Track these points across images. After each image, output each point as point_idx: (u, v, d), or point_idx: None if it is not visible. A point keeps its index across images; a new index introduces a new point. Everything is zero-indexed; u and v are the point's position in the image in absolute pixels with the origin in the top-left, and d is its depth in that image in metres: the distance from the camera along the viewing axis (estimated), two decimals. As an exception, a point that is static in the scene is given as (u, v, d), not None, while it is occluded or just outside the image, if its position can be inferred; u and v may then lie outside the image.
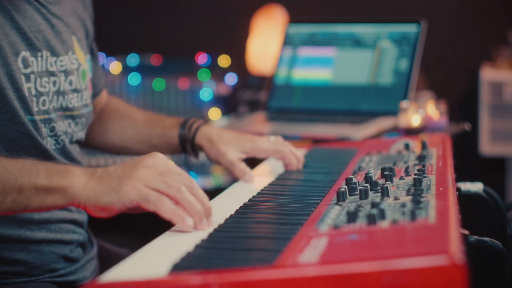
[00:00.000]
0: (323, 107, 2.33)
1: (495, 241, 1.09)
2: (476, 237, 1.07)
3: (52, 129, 1.34)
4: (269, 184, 1.39)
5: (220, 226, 1.06)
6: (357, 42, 2.36)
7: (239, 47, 3.48)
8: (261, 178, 1.47)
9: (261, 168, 1.60)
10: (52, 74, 1.34)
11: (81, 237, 1.41)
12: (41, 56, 1.32)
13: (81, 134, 1.43)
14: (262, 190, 1.33)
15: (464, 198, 1.41)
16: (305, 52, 2.43)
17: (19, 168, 1.07)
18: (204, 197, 1.07)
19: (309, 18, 3.33)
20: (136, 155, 1.57)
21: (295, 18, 2.92)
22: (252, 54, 3.37)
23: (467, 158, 3.48)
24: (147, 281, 0.82)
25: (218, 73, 3.25)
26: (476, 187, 1.44)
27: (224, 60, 3.28)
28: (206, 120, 3.01)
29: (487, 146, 3.33)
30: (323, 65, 2.39)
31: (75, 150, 1.42)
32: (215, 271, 0.81)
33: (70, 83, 1.39)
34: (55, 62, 1.35)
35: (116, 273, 0.86)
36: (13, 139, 1.27)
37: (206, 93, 3.21)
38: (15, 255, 1.30)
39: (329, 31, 2.42)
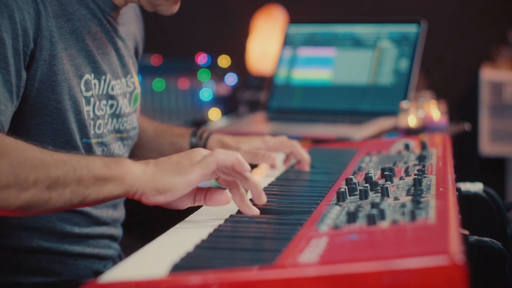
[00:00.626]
0: (323, 107, 2.33)
1: (495, 241, 1.09)
2: (476, 237, 1.07)
3: (108, 152, 1.35)
4: (269, 184, 1.39)
5: (220, 226, 1.07)
6: (357, 42, 2.37)
7: (239, 47, 3.48)
8: (261, 178, 1.47)
9: (261, 168, 1.60)
10: (111, 97, 1.35)
11: (115, 252, 1.43)
12: (104, 80, 1.32)
13: (125, 154, 1.44)
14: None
15: (464, 198, 1.41)
16: (305, 52, 2.43)
17: (76, 159, 1.05)
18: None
19: (309, 18, 3.33)
20: None
21: (295, 18, 2.93)
22: (252, 54, 3.37)
23: (467, 158, 3.48)
24: (147, 281, 0.82)
25: (218, 73, 3.24)
26: (476, 187, 1.44)
27: (224, 60, 3.28)
28: (206, 120, 3.01)
29: (487, 146, 3.33)
30: (323, 65, 2.39)
31: None
32: (215, 271, 0.81)
33: (126, 106, 1.40)
34: (115, 85, 1.36)
35: (116, 273, 0.86)
36: None
37: (206, 93, 3.21)
38: (51, 266, 1.31)
39: (329, 31, 2.42)
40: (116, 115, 1.37)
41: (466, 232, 1.02)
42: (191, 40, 3.85)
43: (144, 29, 1.58)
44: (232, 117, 2.74)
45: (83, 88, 1.27)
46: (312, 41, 2.43)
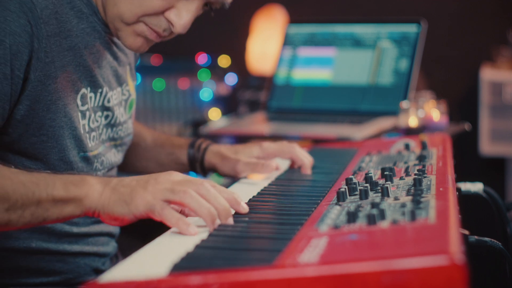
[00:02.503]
0: (323, 107, 2.33)
1: (495, 241, 1.09)
2: (476, 237, 1.07)
3: (102, 163, 1.35)
4: (269, 184, 1.39)
5: (220, 226, 1.06)
6: (357, 42, 2.37)
7: (239, 47, 3.48)
8: (261, 178, 1.47)
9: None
10: (106, 109, 1.34)
11: (113, 250, 1.43)
12: (101, 93, 1.32)
13: (120, 159, 1.44)
14: (262, 190, 1.33)
15: (464, 198, 1.41)
16: (305, 52, 2.43)
17: (35, 181, 1.07)
18: (219, 198, 1.07)
19: (309, 18, 3.33)
20: (142, 173, 1.57)
21: (295, 18, 2.93)
22: (252, 54, 3.37)
23: (467, 158, 3.48)
24: (147, 281, 0.82)
25: (218, 73, 3.25)
26: (476, 187, 1.44)
27: (224, 60, 3.28)
28: (206, 120, 3.01)
29: (487, 146, 3.33)
30: (323, 65, 2.39)
31: (113, 175, 1.44)
32: (215, 271, 0.81)
33: (122, 115, 1.40)
34: (112, 96, 1.35)
35: (116, 273, 0.86)
36: None
37: (206, 93, 3.21)
38: (52, 266, 1.31)
39: (329, 31, 2.42)
40: (111, 125, 1.37)
41: (466, 232, 1.02)
42: (191, 40, 3.85)
43: None
44: (232, 117, 2.74)
45: (79, 102, 1.27)
46: (312, 41, 2.43)
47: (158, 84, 3.24)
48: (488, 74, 3.32)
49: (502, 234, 1.49)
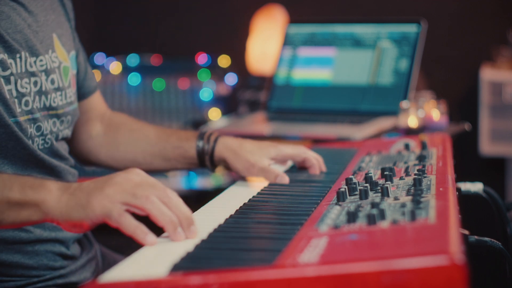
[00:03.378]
0: (323, 107, 2.33)
1: (495, 241, 1.09)
2: (476, 237, 1.07)
3: (39, 129, 1.33)
4: (269, 184, 1.39)
5: (220, 226, 1.06)
6: (357, 42, 2.37)
7: (239, 47, 3.48)
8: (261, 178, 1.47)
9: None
10: (32, 74, 1.33)
11: (76, 234, 1.39)
12: (20, 58, 1.30)
13: (67, 132, 1.41)
14: (262, 190, 1.33)
15: (464, 198, 1.41)
16: (305, 52, 2.43)
17: None
18: (181, 206, 1.03)
19: (309, 18, 3.33)
20: (147, 170, 1.55)
21: (295, 18, 2.93)
22: (252, 54, 3.37)
23: (467, 158, 3.48)
24: (147, 281, 0.82)
25: (218, 73, 3.25)
26: (476, 187, 1.44)
27: (224, 60, 3.28)
28: (206, 120, 3.01)
29: (487, 146, 3.33)
30: (323, 65, 2.39)
31: (62, 147, 1.41)
32: (215, 271, 0.81)
33: (52, 82, 1.37)
34: (35, 62, 1.33)
35: (116, 273, 0.86)
36: (8, 141, 1.26)
37: (206, 93, 3.21)
38: (11, 257, 1.29)
39: (329, 31, 2.42)
40: (44, 92, 1.34)
41: (466, 232, 1.02)
42: (191, 40, 3.85)
43: (71, 1, 1.52)
44: (232, 117, 2.74)
45: None
46: (312, 41, 2.43)
47: (158, 84, 3.24)
48: (488, 74, 3.32)
49: (502, 234, 1.49)
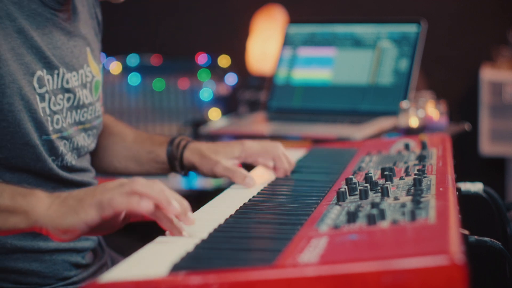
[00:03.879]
0: (323, 107, 2.33)
1: (495, 241, 1.09)
2: (476, 237, 1.07)
3: (71, 144, 1.34)
4: (269, 184, 1.39)
5: (220, 226, 1.06)
6: (357, 42, 2.37)
7: (239, 47, 3.48)
8: (261, 178, 1.47)
9: (260, 168, 1.60)
10: (67, 90, 1.33)
11: (93, 244, 1.41)
12: (58, 74, 1.31)
13: (93, 146, 1.43)
14: (262, 190, 1.33)
15: (464, 198, 1.41)
16: (305, 52, 2.43)
17: None
18: (174, 194, 1.04)
19: (309, 18, 3.33)
20: (123, 174, 1.56)
21: (295, 18, 2.92)
22: (252, 54, 3.37)
23: (467, 158, 3.48)
24: (147, 281, 0.82)
25: (218, 73, 3.25)
26: (476, 187, 1.44)
27: (224, 60, 3.28)
28: (206, 120, 3.01)
29: (487, 146, 3.33)
30: (323, 65, 2.39)
31: (88, 160, 1.43)
32: (215, 271, 0.81)
33: (86, 97, 1.38)
34: (71, 78, 1.34)
35: (116, 273, 0.86)
36: (30, 161, 1.26)
37: (206, 93, 3.21)
38: (28, 265, 1.30)
39: (329, 31, 2.42)
40: (75, 107, 1.35)
41: (466, 232, 1.02)
42: (191, 40, 3.85)
43: (101, 13, 1.53)
44: (232, 117, 2.74)
45: (36, 85, 1.26)
46: (312, 41, 2.43)
47: (158, 84, 3.24)
48: (488, 74, 3.32)
49: (502, 234, 1.49)
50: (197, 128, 2.53)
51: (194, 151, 1.49)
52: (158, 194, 1.01)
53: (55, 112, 1.30)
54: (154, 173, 1.56)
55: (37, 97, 1.26)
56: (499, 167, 3.50)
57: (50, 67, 1.29)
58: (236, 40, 3.60)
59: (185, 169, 1.51)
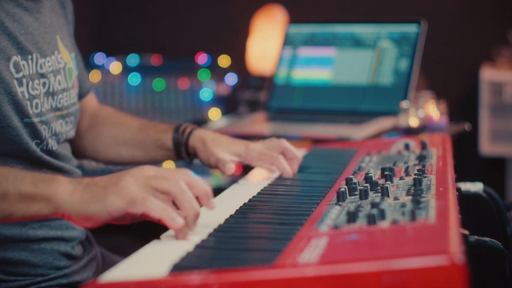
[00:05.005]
0: (323, 107, 2.33)
1: (495, 241, 1.09)
2: (476, 237, 1.07)
3: (51, 130, 1.35)
4: (269, 184, 1.39)
5: (220, 226, 1.06)
6: (357, 42, 2.37)
7: (239, 47, 3.48)
8: (261, 178, 1.47)
9: (259, 168, 1.60)
10: (42, 75, 1.34)
11: (80, 234, 1.41)
12: (31, 59, 1.32)
13: (71, 133, 1.44)
14: (262, 190, 1.33)
15: (464, 198, 1.41)
16: (305, 52, 2.43)
17: (4, 174, 1.06)
18: (201, 184, 1.05)
19: (309, 18, 3.33)
20: (130, 163, 1.56)
21: (295, 18, 2.93)
22: (252, 54, 3.37)
23: (467, 158, 3.48)
24: (147, 281, 0.82)
25: (218, 73, 3.25)
26: (476, 187, 1.44)
27: (224, 60, 3.28)
28: (206, 120, 3.01)
29: (487, 146, 3.33)
30: (323, 65, 2.39)
31: (67, 148, 1.44)
32: (215, 271, 0.81)
33: (59, 83, 1.39)
34: (44, 63, 1.35)
35: (116, 273, 0.86)
36: (12, 144, 1.27)
37: (206, 93, 3.21)
38: (17, 255, 1.30)
39: (329, 31, 2.42)
40: (51, 93, 1.36)
41: (466, 232, 1.02)
42: (191, 40, 3.85)
43: (71, 3, 1.54)
44: (232, 117, 2.74)
45: (12, 70, 1.27)
46: (312, 41, 2.43)
47: (158, 84, 3.24)
48: (488, 74, 3.32)
49: (502, 234, 1.49)
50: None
51: (198, 138, 1.51)
52: (178, 193, 1.01)
53: (34, 97, 1.31)
54: (161, 160, 1.59)
55: (15, 81, 1.27)
56: (499, 167, 3.50)
57: (23, 52, 1.30)
58: (236, 40, 3.60)
59: (191, 155, 1.53)
